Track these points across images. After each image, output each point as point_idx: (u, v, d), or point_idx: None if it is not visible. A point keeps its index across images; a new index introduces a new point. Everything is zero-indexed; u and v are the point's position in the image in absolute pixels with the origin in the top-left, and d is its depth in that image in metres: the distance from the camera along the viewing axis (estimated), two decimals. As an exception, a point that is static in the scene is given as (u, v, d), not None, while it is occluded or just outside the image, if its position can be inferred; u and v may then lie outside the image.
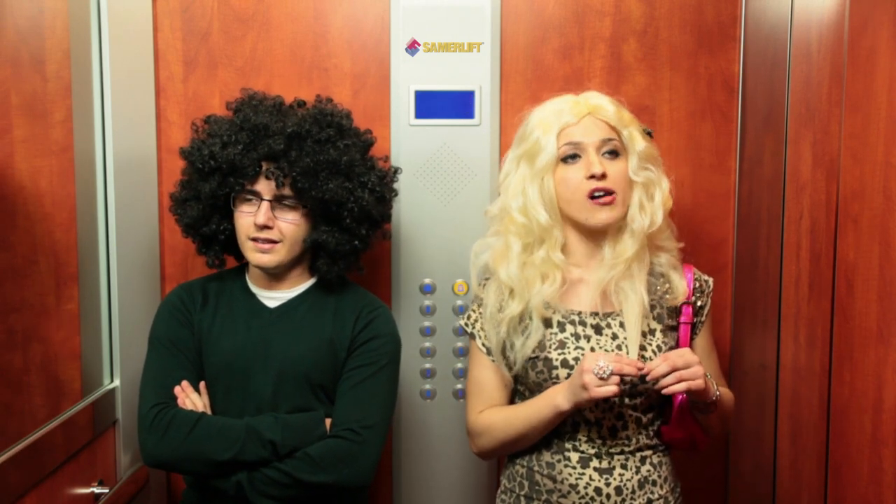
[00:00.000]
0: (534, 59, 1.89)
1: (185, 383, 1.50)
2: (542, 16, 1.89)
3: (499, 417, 1.49)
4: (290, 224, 1.49)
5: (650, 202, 1.48)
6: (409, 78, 1.86)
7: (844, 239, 1.32)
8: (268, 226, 1.47)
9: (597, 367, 1.32)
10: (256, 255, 1.49)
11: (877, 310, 1.21)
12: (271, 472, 1.43)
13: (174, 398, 1.48)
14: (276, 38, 1.88)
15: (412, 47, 1.86)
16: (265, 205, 1.47)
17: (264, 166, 1.47)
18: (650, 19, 1.89)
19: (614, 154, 1.46)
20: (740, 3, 1.87)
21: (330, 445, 1.46)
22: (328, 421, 1.50)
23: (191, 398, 1.49)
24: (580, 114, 1.47)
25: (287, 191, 1.48)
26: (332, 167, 1.48)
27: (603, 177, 1.43)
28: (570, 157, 1.46)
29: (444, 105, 1.86)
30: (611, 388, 1.31)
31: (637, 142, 1.48)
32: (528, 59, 1.89)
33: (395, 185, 1.63)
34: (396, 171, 1.64)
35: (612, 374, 1.31)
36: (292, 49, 1.88)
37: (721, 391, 1.46)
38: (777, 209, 1.63)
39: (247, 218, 1.49)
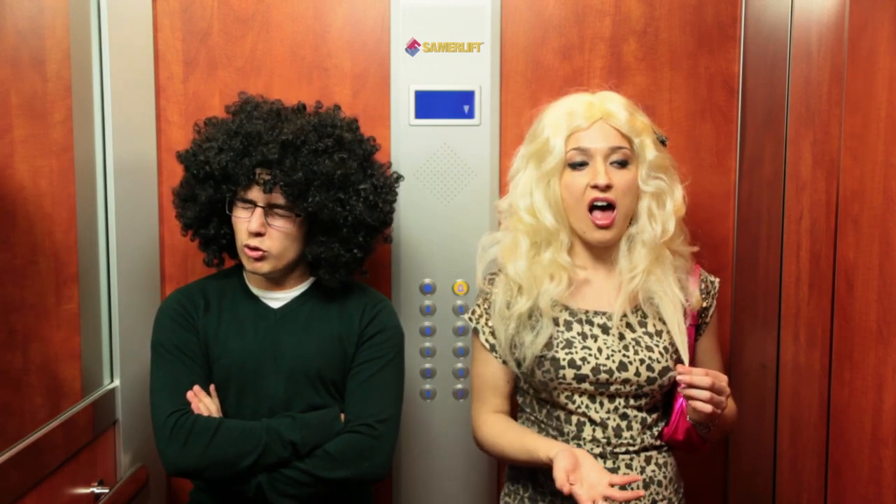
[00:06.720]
0: (534, 59, 1.89)
1: (196, 388, 1.49)
2: (542, 16, 1.89)
3: (492, 433, 1.49)
4: (280, 231, 1.47)
5: (661, 210, 1.46)
6: (409, 78, 1.86)
7: (844, 239, 1.32)
8: (260, 233, 1.46)
9: None
10: (251, 263, 1.50)
11: (877, 310, 1.21)
12: (292, 472, 1.44)
13: (189, 403, 1.47)
14: (276, 38, 1.88)
15: (412, 47, 1.86)
16: (258, 211, 1.46)
17: (258, 173, 1.46)
18: (650, 19, 1.89)
19: (623, 163, 1.44)
20: (740, 3, 1.87)
21: (347, 441, 1.46)
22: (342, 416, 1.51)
23: (204, 402, 1.49)
24: (592, 118, 1.44)
25: (279, 199, 1.47)
26: (326, 179, 1.46)
27: (607, 188, 1.41)
28: (577, 164, 1.44)
29: (444, 105, 1.86)
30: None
31: (648, 151, 1.45)
32: (528, 59, 1.89)
33: (396, 190, 1.61)
34: (398, 178, 1.62)
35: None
36: (292, 49, 1.88)
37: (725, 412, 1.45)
38: (777, 209, 1.63)
39: (242, 224, 1.49)
